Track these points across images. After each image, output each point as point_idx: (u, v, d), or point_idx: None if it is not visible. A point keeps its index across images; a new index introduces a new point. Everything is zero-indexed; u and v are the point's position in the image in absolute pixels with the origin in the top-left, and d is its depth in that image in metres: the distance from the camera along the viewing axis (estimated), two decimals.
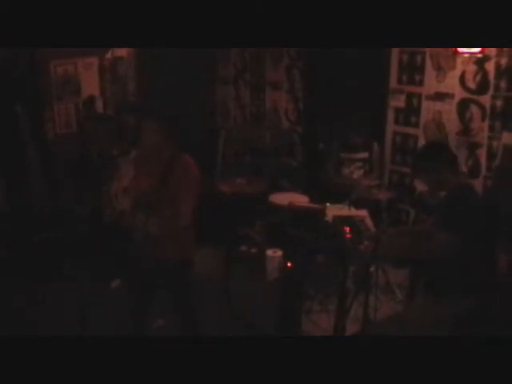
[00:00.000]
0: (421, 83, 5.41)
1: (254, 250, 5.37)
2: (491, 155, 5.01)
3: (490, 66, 4.88)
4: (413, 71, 5.45)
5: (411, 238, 3.57)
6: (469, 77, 5.04)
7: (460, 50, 5.00)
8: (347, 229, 3.85)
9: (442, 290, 3.14)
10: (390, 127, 5.75)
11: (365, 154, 5.39)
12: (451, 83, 5.16)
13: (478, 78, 4.98)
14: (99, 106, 6.18)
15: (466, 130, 5.14)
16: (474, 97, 5.04)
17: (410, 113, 5.56)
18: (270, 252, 4.57)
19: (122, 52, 6.34)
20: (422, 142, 5.46)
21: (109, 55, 6.25)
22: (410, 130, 5.59)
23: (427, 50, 5.27)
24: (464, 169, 5.04)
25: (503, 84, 4.84)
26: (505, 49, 4.75)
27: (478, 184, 4.96)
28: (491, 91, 4.92)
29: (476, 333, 3.00)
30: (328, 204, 4.57)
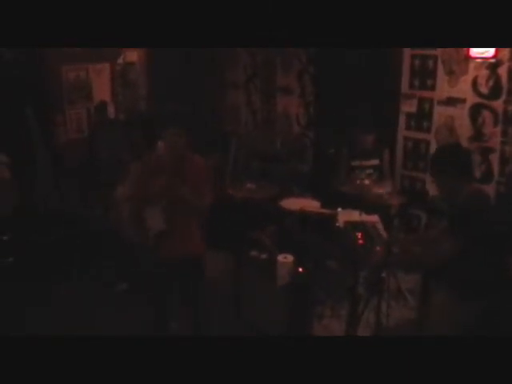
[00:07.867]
0: (433, 88, 5.38)
1: (264, 256, 5.37)
2: (504, 160, 4.97)
3: (503, 71, 4.84)
4: (425, 76, 5.42)
5: (423, 246, 3.55)
6: (481, 81, 5.00)
7: (472, 54, 4.98)
8: (359, 234, 3.83)
9: (459, 292, 3.10)
10: (402, 132, 5.73)
11: (375, 161, 5.36)
12: (463, 88, 5.13)
13: (491, 82, 4.94)
14: (111, 111, 6.21)
15: (478, 135, 5.10)
16: (487, 102, 5.01)
17: (421, 118, 5.53)
18: (280, 257, 4.56)
19: (133, 57, 6.37)
20: (433, 147, 5.43)
21: (120, 60, 6.28)
22: (422, 136, 5.56)
23: (439, 54, 5.24)
24: (477, 174, 4.99)
25: None
26: None
27: (490, 189, 4.93)
28: (504, 96, 4.89)
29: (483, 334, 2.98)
30: (339, 209, 4.54)
